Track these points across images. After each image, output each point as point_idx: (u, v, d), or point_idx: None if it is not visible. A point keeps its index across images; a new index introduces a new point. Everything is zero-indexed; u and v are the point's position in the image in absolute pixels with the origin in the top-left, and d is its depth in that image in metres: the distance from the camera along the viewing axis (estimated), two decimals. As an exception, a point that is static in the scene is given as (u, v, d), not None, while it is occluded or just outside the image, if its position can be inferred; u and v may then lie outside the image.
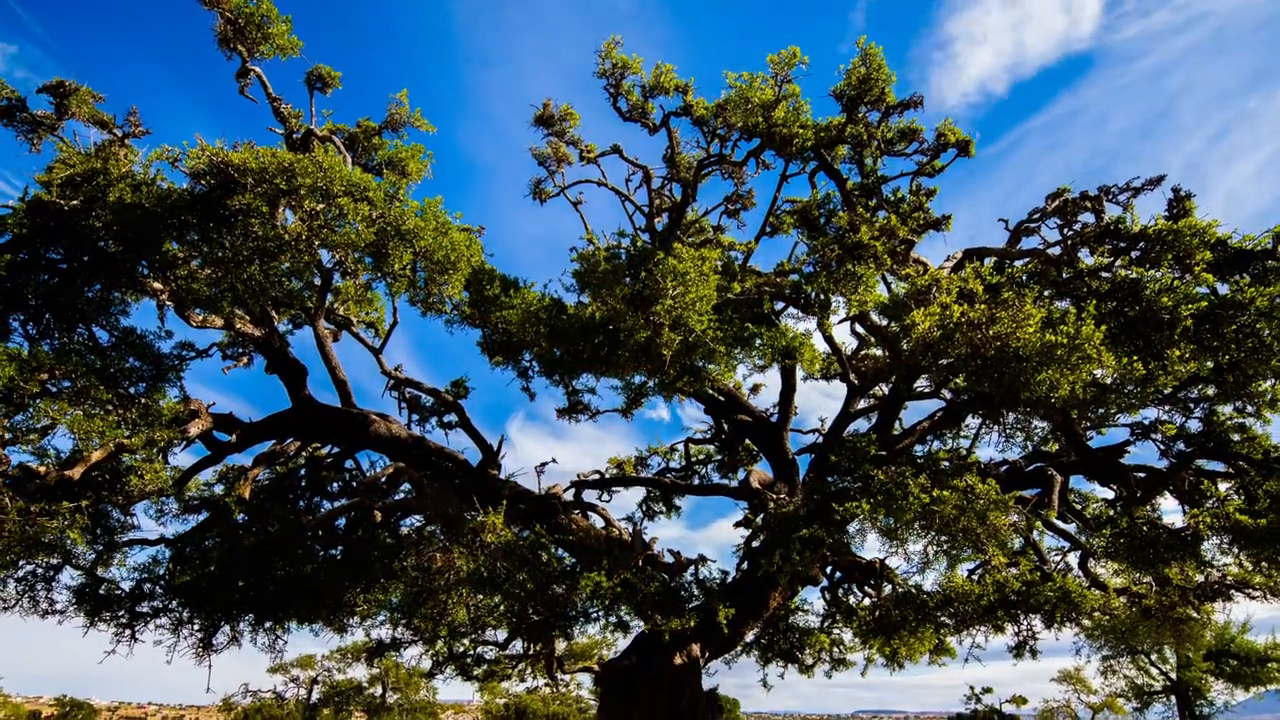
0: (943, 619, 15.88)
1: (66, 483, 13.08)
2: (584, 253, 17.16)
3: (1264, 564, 14.93)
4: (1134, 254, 15.91)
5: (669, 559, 18.65)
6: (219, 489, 18.01)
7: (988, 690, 61.91)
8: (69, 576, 16.44)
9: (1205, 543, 15.13)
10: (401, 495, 19.25)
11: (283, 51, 15.46)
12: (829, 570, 18.95)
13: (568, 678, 28.97)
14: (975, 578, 16.60)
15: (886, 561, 17.85)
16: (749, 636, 18.95)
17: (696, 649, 17.42)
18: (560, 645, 19.69)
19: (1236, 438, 16.21)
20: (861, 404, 20.89)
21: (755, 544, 18.00)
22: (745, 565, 18.05)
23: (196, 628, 17.59)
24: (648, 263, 14.50)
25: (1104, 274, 15.76)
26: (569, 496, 20.91)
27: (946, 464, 16.65)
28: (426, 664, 20.90)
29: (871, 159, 18.46)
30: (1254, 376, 14.60)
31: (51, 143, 13.95)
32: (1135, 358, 13.22)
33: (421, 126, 17.40)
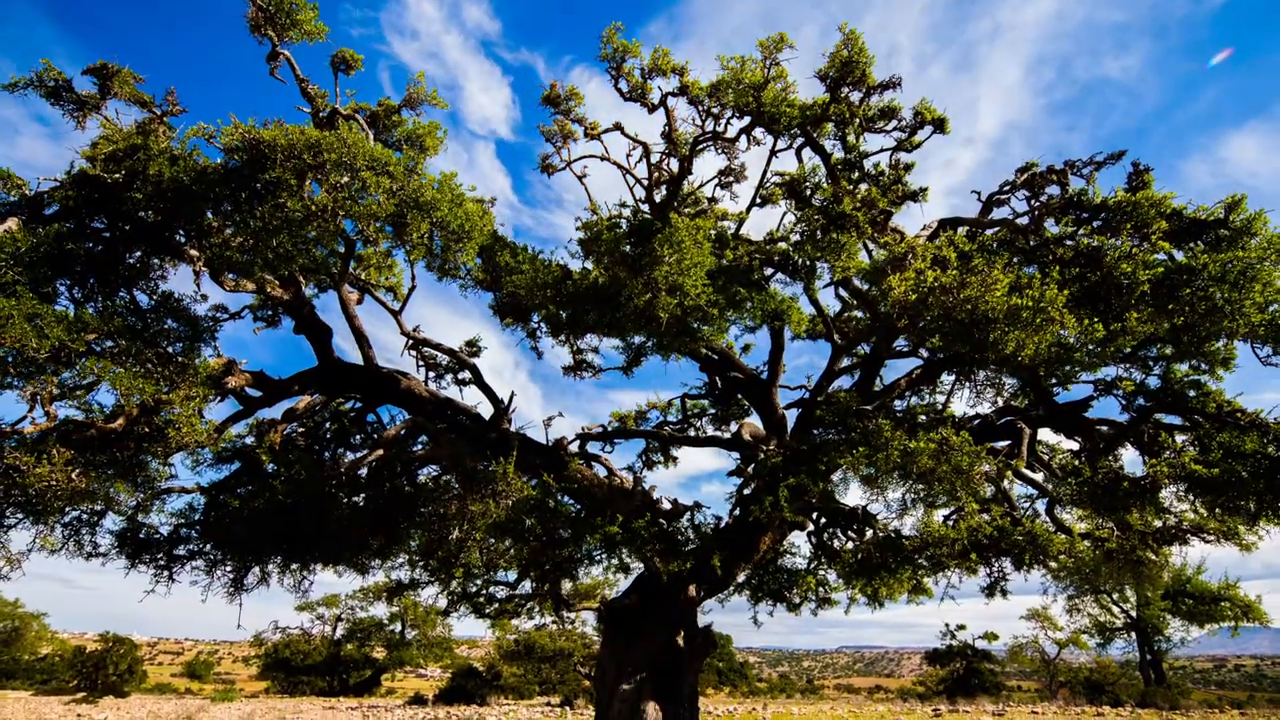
0: (920, 561, 16.11)
1: (109, 435, 13.30)
2: (588, 222, 17.39)
3: (1217, 510, 15.20)
4: (1096, 224, 16.14)
5: (667, 506, 18.88)
6: (250, 441, 18.20)
7: (962, 627, 62.88)
8: (111, 522, 16.67)
9: (1163, 490, 15.39)
10: (419, 447, 19.51)
11: (309, 36, 15.60)
12: (815, 516, 19.16)
13: (573, 615, 29.35)
14: (950, 523, 16.82)
15: (868, 508, 18.08)
16: (741, 578, 19.21)
17: (692, 589, 17.76)
18: (566, 585, 19.97)
19: (1192, 393, 16.48)
20: (845, 362, 21.18)
21: (747, 492, 18.25)
22: (737, 512, 18.34)
23: (229, 569, 17.91)
24: (647, 231, 14.68)
25: (1068, 242, 15.99)
26: (574, 448, 21.12)
27: (923, 418, 16.90)
28: (442, 603, 21.29)
29: (854, 135, 18.62)
30: (1207, 337, 14.88)
31: (96, 121, 14.14)
32: (1097, 320, 13.47)
33: (438, 104, 17.53)
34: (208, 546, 17.62)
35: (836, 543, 19.50)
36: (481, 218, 13.84)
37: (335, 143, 12.10)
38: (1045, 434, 19.66)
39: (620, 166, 19.42)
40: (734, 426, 23.38)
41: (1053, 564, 15.78)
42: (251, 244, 13.13)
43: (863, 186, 18.50)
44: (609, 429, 24.02)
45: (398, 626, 72.78)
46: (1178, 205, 15.44)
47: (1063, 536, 15.45)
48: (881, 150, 19.09)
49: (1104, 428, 17.54)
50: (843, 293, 20.34)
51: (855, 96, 17.97)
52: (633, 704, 16.32)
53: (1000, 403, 19.04)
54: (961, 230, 18.39)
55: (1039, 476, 18.21)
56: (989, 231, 18.20)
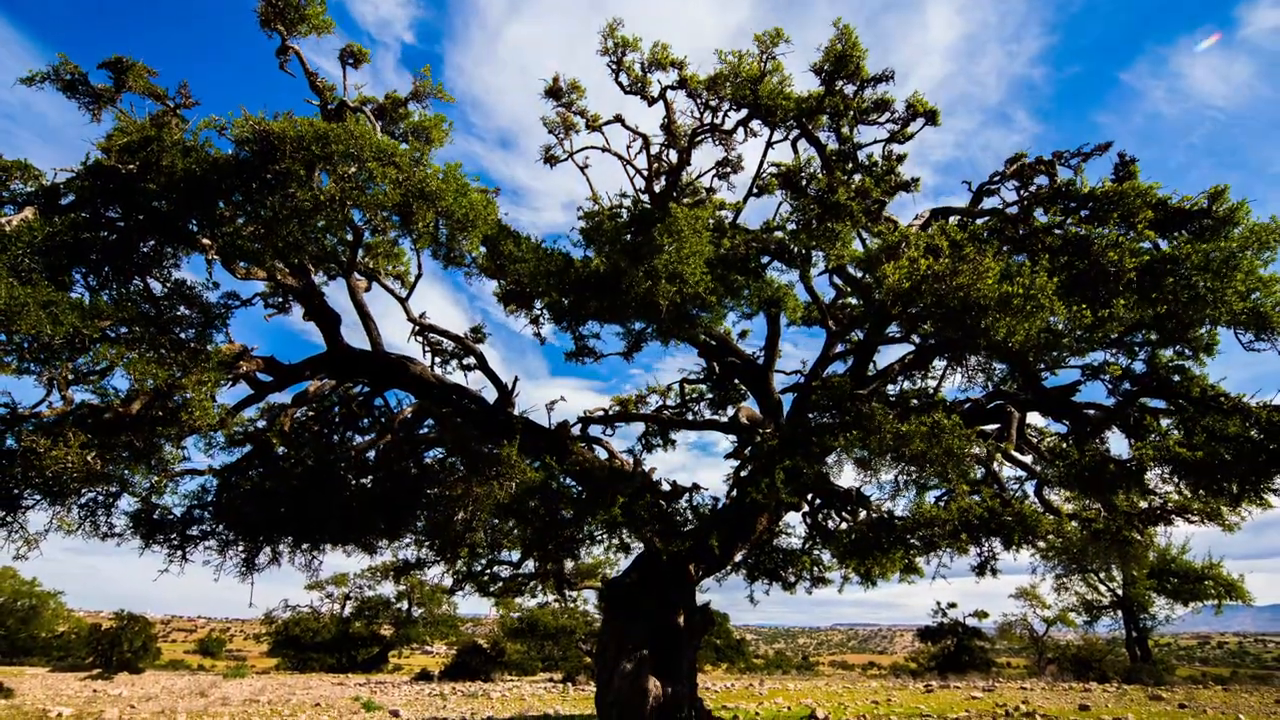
0: (912, 541, 16.13)
1: (124, 418, 13.33)
2: (590, 212, 17.43)
3: (1201, 492, 15.22)
4: (1083, 213, 16.18)
5: (666, 488, 18.93)
6: (261, 424, 18.25)
7: (953, 605, 62.91)
8: (126, 503, 16.72)
9: (1149, 472, 15.40)
10: (425, 430, 19.55)
11: (318, 31, 15.63)
12: (810, 497, 19.20)
13: (575, 594, 29.40)
14: (942, 504, 16.83)
15: (862, 489, 18.12)
16: (738, 557, 19.25)
17: (691, 568, 17.82)
18: (568, 565, 20.04)
19: (1176, 378, 16.49)
20: (839, 348, 21.18)
21: (743, 474, 18.30)
22: (734, 493, 18.38)
23: (241, 549, 18.02)
24: (648, 221, 14.72)
25: (1056, 231, 16.05)
26: (576, 431, 21.16)
27: (915, 402, 16.93)
28: (448, 581, 21.41)
29: (848, 127, 18.64)
30: (1191, 323, 14.93)
31: (111, 113, 14.18)
32: (1084, 306, 13.49)
33: (444, 98, 17.56)
34: (220, 527, 17.72)
35: (831, 523, 19.56)
36: (485, 208, 13.86)
37: (343, 135, 12.14)
38: (1034, 417, 19.71)
39: (621, 158, 19.42)
40: (731, 410, 23.42)
41: (1041, 544, 15.83)
42: (262, 233, 13.16)
43: (857, 177, 18.53)
44: (610, 413, 24.06)
45: (405, 605, 73.12)
46: (1163, 195, 15.51)
47: (1051, 517, 15.50)
48: (875, 141, 19.14)
49: (1091, 411, 17.60)
50: (837, 280, 20.41)
51: (849, 89, 18.00)
52: (633, 680, 16.41)
53: (990, 387, 19.08)
54: (953, 219, 18.44)
55: (1028, 459, 18.25)
56: (980, 221, 18.25)
